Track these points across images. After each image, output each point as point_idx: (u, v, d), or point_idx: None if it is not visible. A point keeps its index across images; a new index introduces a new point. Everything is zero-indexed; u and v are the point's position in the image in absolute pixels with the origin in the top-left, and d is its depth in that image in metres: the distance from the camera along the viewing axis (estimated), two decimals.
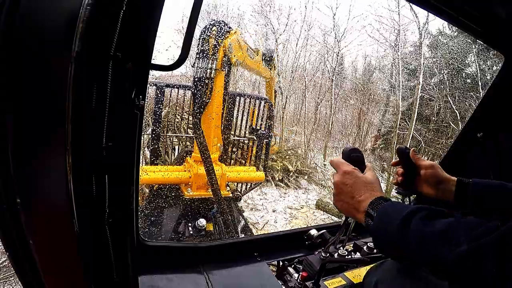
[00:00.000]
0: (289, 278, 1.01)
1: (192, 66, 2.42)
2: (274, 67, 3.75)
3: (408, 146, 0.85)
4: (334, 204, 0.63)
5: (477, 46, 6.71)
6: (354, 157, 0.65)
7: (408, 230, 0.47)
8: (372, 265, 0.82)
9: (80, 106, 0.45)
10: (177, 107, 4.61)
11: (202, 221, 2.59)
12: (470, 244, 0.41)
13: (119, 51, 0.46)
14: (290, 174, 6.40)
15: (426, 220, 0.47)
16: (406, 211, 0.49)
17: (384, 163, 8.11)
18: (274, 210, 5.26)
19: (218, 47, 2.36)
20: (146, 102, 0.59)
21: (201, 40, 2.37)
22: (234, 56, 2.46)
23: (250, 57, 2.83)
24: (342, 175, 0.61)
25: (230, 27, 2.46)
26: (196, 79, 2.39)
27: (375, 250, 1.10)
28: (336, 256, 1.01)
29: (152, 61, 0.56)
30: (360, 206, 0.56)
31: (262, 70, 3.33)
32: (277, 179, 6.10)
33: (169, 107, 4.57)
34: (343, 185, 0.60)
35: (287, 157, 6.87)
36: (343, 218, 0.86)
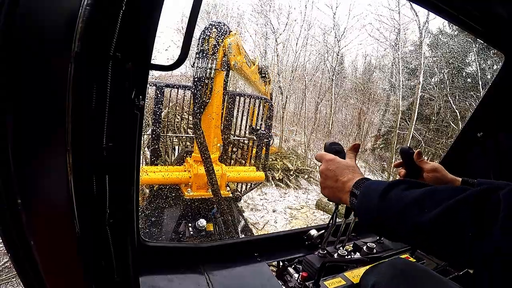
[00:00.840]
0: (289, 278, 1.01)
1: (192, 66, 2.42)
2: (269, 82, 3.78)
3: (410, 147, 0.84)
4: (321, 192, 0.66)
5: (477, 45, 6.70)
6: (334, 148, 0.71)
7: (388, 201, 0.49)
8: (369, 266, 0.82)
9: (80, 106, 0.45)
10: (177, 107, 4.62)
11: (202, 222, 2.59)
12: (444, 202, 0.41)
13: (118, 51, 0.46)
14: (291, 173, 6.40)
15: (406, 189, 0.48)
16: (386, 184, 0.51)
17: (384, 163, 8.11)
18: (274, 210, 5.26)
19: (218, 47, 2.36)
20: (146, 102, 0.59)
21: (201, 40, 2.37)
22: (234, 55, 2.46)
23: (247, 64, 2.85)
24: (325, 163, 0.65)
25: (229, 29, 2.47)
26: (196, 79, 2.39)
27: (374, 250, 1.10)
28: (336, 256, 1.01)
29: (152, 61, 0.56)
30: (345, 187, 0.59)
31: (258, 82, 3.37)
32: (277, 178, 6.10)
33: (169, 107, 4.58)
34: (327, 171, 0.63)
35: (286, 156, 6.87)
36: (351, 217, 0.86)
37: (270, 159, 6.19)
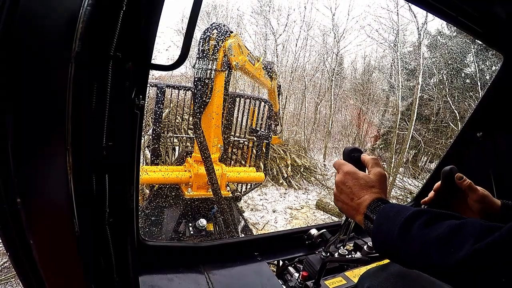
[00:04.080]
0: (289, 278, 1.01)
1: (192, 67, 2.43)
2: (275, 77, 3.76)
3: (454, 166, 0.69)
4: (335, 204, 0.62)
5: (476, 46, 6.72)
6: (355, 157, 0.64)
7: (409, 236, 0.45)
8: (368, 269, 0.82)
9: (80, 106, 0.45)
10: (178, 108, 4.62)
11: (202, 221, 2.59)
12: (474, 245, 0.38)
13: (119, 51, 0.46)
14: (301, 170, 6.39)
15: (428, 224, 0.45)
16: (406, 214, 0.47)
17: (384, 163, 8.11)
18: (274, 210, 5.26)
19: (218, 48, 2.37)
20: (146, 103, 0.59)
21: (201, 41, 2.38)
22: (234, 56, 2.46)
23: (251, 62, 2.84)
24: (342, 175, 0.59)
25: (230, 30, 2.47)
26: (196, 79, 2.39)
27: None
28: (336, 256, 1.02)
29: (152, 61, 0.56)
30: (359, 208, 0.55)
31: (263, 78, 3.36)
32: (286, 175, 6.08)
33: (169, 108, 4.58)
34: (343, 185, 0.58)
35: (294, 151, 6.82)
36: (343, 218, 0.86)
37: (280, 152, 6.16)
